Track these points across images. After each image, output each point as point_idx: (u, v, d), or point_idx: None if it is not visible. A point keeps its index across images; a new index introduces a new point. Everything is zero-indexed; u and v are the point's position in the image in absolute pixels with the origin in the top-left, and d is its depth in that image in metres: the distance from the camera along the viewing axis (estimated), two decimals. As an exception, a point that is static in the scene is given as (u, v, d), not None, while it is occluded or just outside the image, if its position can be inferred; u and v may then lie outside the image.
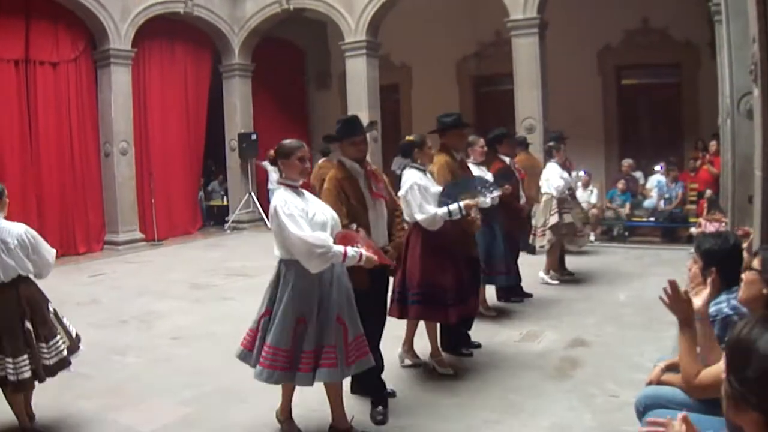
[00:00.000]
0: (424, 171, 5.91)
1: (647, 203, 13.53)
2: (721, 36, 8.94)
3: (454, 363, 6.15)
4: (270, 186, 15.37)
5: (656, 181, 13.69)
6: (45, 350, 4.75)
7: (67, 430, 5.04)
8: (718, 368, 2.68)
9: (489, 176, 7.39)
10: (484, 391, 5.47)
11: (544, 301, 8.49)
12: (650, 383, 3.56)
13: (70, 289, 10.17)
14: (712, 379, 2.70)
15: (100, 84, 14.14)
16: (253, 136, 16.71)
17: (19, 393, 4.76)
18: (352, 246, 4.43)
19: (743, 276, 3.06)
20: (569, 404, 5.18)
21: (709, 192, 11.90)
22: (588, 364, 6.11)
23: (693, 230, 11.04)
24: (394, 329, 5.80)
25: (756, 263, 2.97)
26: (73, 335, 5.09)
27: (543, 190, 9.70)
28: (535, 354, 6.44)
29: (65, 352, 4.90)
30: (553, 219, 9.41)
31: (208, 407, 5.34)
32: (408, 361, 6.17)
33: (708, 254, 3.51)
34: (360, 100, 15.28)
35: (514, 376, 5.83)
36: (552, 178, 9.50)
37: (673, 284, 2.97)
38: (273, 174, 14.81)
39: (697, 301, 3.04)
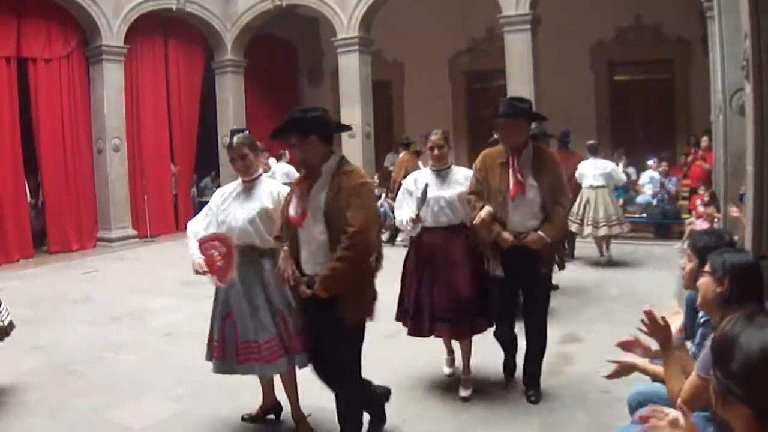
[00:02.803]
0: (437, 172, 5.51)
1: (640, 199, 13.54)
2: (714, 32, 8.98)
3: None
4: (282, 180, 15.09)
5: (649, 177, 13.70)
6: None
7: (60, 427, 5.03)
8: (691, 379, 2.78)
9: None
10: (476, 388, 5.46)
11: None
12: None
13: (63, 286, 10.16)
14: (690, 391, 2.78)
15: (93, 80, 14.10)
16: (246, 132, 16.64)
17: None
18: (209, 251, 4.64)
19: (699, 282, 3.14)
20: (561, 401, 5.19)
21: (702, 189, 11.93)
22: (580, 360, 6.12)
23: (690, 226, 10.99)
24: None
25: (707, 266, 3.06)
26: None
27: (600, 183, 10.35)
28: (528, 350, 6.44)
29: None
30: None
31: (199, 404, 5.34)
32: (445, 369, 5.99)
33: (703, 251, 3.53)
34: (352, 97, 15.28)
35: (506, 372, 5.84)
36: (616, 170, 10.73)
37: (649, 314, 3.04)
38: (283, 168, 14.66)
39: (672, 329, 3.11)
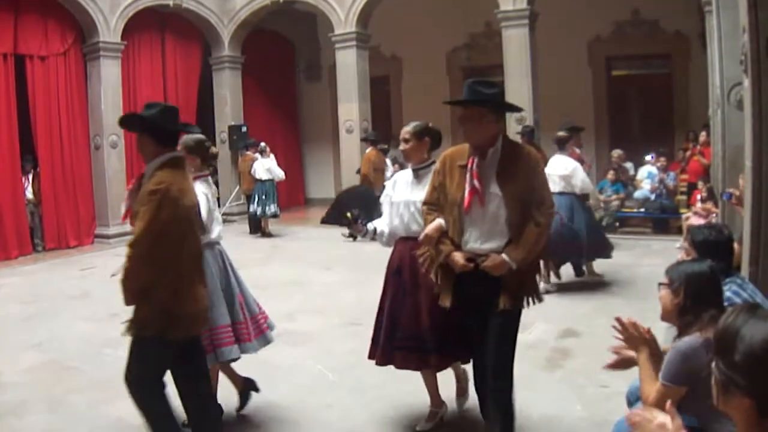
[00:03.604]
0: (415, 171, 4.69)
1: (638, 194, 13.55)
2: (712, 27, 8.97)
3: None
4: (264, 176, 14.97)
5: (647, 172, 13.71)
6: None
7: (59, 423, 5.03)
8: (657, 386, 2.95)
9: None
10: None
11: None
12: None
13: (62, 283, 10.15)
14: (657, 396, 2.91)
15: (90, 77, 14.08)
16: (244, 128, 16.66)
17: None
18: None
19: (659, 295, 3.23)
20: (560, 394, 5.20)
21: (700, 184, 11.94)
22: (579, 354, 6.13)
23: (687, 222, 11.04)
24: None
25: (666, 279, 3.16)
26: None
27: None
28: (527, 345, 6.42)
29: None
30: None
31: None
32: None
33: (703, 246, 3.57)
34: (350, 92, 15.30)
35: (505, 367, 5.83)
36: None
37: (620, 321, 3.19)
38: (264, 165, 14.59)
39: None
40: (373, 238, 4.82)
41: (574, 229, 8.49)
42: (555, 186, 8.28)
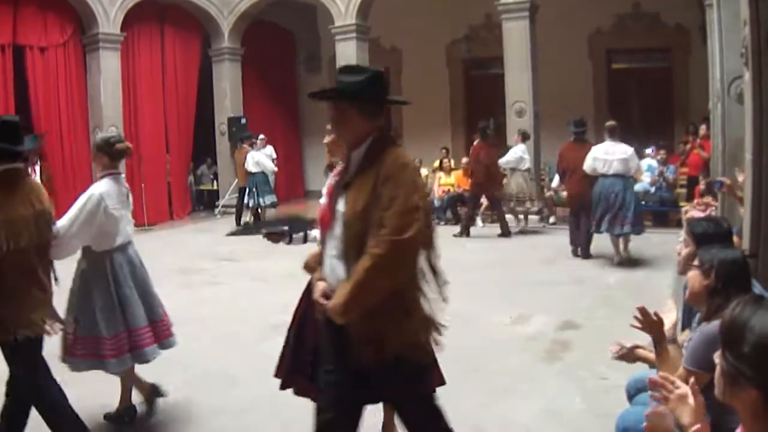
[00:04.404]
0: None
1: (638, 187, 13.52)
2: (712, 20, 8.95)
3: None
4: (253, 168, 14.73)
5: (647, 165, 13.70)
6: None
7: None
8: (679, 373, 2.83)
9: None
10: (475, 375, 5.46)
11: (535, 284, 8.50)
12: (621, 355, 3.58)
13: (60, 275, 10.10)
14: (681, 381, 2.84)
15: (89, 69, 14.07)
16: (243, 120, 16.63)
17: None
18: None
19: (688, 276, 3.21)
20: (559, 387, 5.20)
21: (700, 178, 11.93)
22: (578, 347, 6.13)
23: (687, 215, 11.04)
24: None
25: (696, 261, 3.13)
26: None
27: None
28: (526, 337, 6.45)
29: None
30: None
31: (197, 391, 5.32)
32: None
33: (702, 238, 3.55)
34: (350, 84, 15.25)
35: (505, 360, 5.84)
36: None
37: (642, 310, 3.13)
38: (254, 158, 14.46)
39: (666, 324, 3.18)
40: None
41: (626, 204, 9.29)
42: (611, 169, 9.23)
